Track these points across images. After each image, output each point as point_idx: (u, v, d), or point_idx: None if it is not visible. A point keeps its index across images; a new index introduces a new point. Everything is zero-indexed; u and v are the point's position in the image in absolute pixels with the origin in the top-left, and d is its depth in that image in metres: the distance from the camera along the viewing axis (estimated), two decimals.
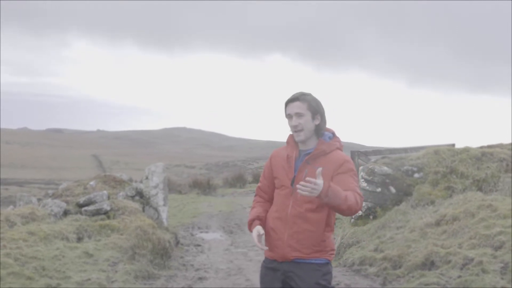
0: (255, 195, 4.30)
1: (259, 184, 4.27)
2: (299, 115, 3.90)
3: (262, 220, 4.04)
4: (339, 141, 4.04)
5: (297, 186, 3.51)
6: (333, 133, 4.06)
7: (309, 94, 3.99)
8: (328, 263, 3.95)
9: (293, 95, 3.96)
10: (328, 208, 3.84)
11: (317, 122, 3.95)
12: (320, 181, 3.50)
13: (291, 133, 4.05)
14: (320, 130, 3.97)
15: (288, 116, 3.96)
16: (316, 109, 3.94)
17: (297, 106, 3.91)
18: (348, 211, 3.69)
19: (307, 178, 3.51)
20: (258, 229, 3.95)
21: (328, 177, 3.76)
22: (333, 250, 3.99)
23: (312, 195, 3.50)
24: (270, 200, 4.16)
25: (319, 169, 3.58)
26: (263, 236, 3.98)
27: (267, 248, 3.99)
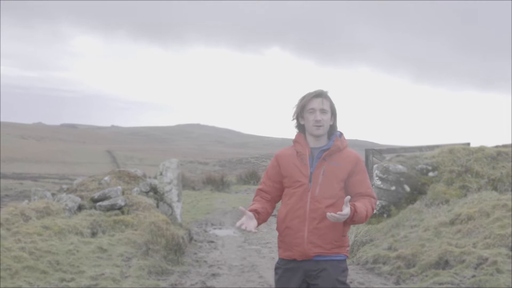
0: (255, 196, 4.21)
1: (260, 186, 4.21)
2: (323, 111, 3.99)
3: (258, 214, 3.97)
4: (345, 139, 4.15)
5: (327, 214, 3.73)
6: (341, 132, 4.16)
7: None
8: (345, 260, 4.03)
9: (317, 91, 4.04)
10: None
11: (331, 122, 4.07)
12: (346, 211, 3.71)
13: (298, 132, 4.14)
14: (332, 129, 4.09)
15: (311, 110, 4.00)
16: (334, 109, 4.07)
17: (323, 103, 4.00)
18: (365, 221, 3.94)
19: (334, 214, 3.70)
20: (247, 212, 3.91)
21: (345, 174, 3.96)
22: (349, 246, 4.06)
23: (338, 221, 3.76)
24: (272, 201, 4.16)
25: (347, 198, 3.74)
26: (247, 218, 3.88)
27: (243, 225, 3.85)
